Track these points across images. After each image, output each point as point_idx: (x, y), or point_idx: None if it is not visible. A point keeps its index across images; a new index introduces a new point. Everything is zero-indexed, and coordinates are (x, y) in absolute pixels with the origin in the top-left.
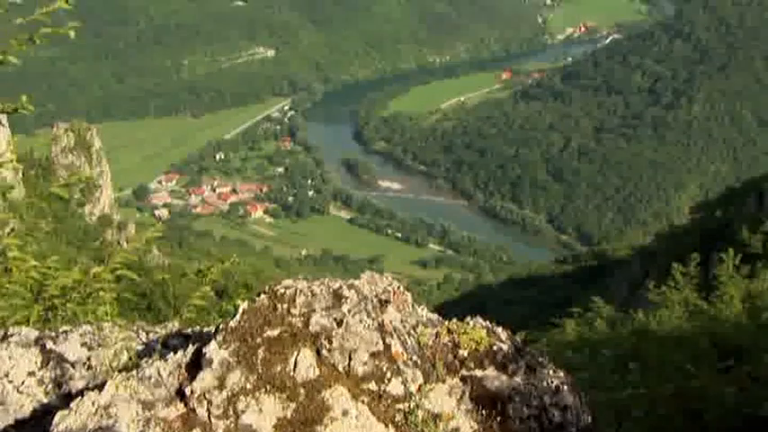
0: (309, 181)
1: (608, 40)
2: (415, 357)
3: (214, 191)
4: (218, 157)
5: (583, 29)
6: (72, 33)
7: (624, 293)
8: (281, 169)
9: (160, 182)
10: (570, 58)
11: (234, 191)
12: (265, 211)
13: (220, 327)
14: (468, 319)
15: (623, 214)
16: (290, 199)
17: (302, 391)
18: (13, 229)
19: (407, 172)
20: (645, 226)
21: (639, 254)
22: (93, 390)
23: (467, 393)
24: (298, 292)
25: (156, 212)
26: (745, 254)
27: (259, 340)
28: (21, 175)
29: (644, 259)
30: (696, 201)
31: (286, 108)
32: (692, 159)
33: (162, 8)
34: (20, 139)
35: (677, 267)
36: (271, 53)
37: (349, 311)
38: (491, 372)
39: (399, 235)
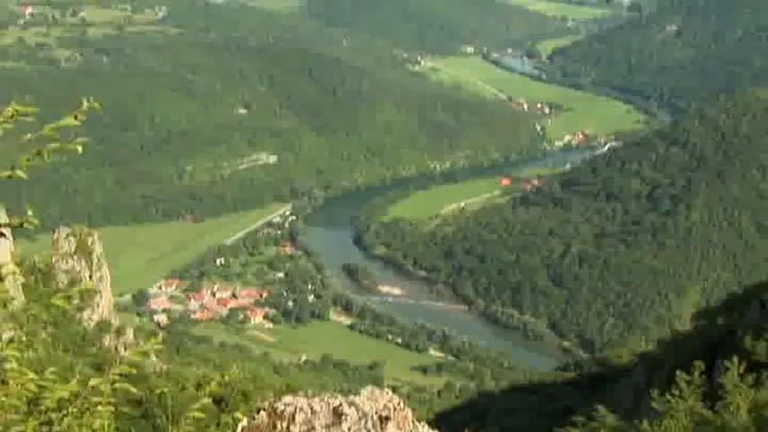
0: (309, 286)
1: (606, 148)
2: None
3: (214, 296)
4: (218, 261)
5: (581, 136)
6: (80, 149)
7: (628, 402)
8: (281, 274)
9: (160, 287)
10: (569, 165)
11: (234, 296)
12: (265, 317)
13: None
14: None
15: (625, 320)
16: (290, 304)
17: None
18: (12, 340)
19: (408, 277)
20: (647, 332)
21: (642, 361)
22: None
23: None
24: (297, 409)
25: (155, 318)
26: (749, 362)
27: None
28: (21, 282)
29: (647, 367)
30: (698, 307)
31: (287, 213)
32: (693, 265)
33: (166, 115)
34: (21, 244)
35: (681, 376)
36: (273, 159)
37: (349, 429)
38: None
39: (400, 340)
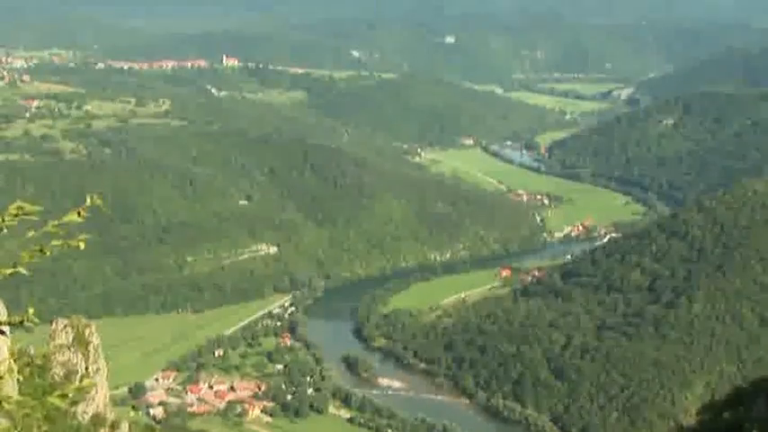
0: (309, 379)
1: (606, 239)
2: None
3: (211, 388)
4: (216, 353)
5: (581, 228)
6: (82, 245)
7: None
8: (280, 366)
9: (157, 379)
10: (569, 257)
11: (232, 388)
12: (263, 410)
13: None
14: None
15: (628, 414)
16: (289, 397)
17: None
18: None
19: (408, 369)
20: (651, 426)
21: None
22: None
23: None
24: None
25: (152, 411)
26: None
27: None
28: (18, 378)
29: None
30: (703, 401)
31: (287, 304)
32: (696, 358)
33: (167, 207)
34: (18, 335)
35: None
36: (273, 250)
37: None
38: None
39: None
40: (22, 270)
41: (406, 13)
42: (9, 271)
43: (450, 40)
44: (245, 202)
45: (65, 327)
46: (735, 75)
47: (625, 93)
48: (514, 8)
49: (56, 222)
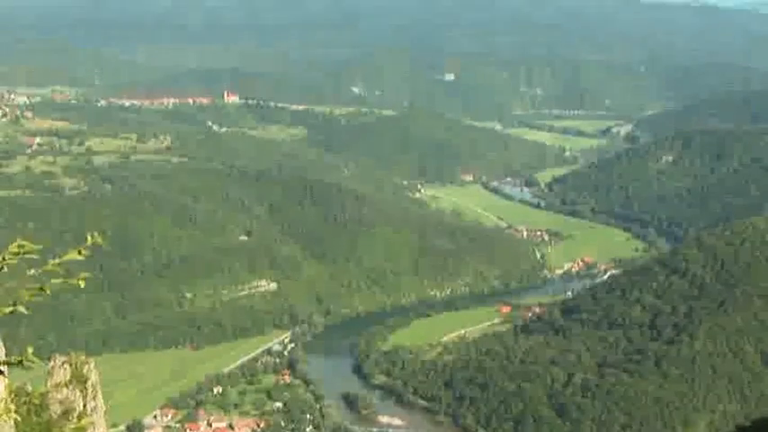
0: (308, 416)
1: (606, 275)
2: None
3: (210, 426)
4: (215, 390)
5: (581, 264)
6: (82, 284)
7: None
8: (279, 404)
9: (156, 416)
10: (570, 293)
11: (231, 426)
12: None
13: None
14: None
15: None
16: None
17: None
18: None
19: (408, 407)
20: None
21: None
22: None
23: None
24: None
25: None
26: None
27: None
28: (16, 418)
29: None
30: None
31: (286, 341)
32: (698, 396)
33: (167, 242)
34: (15, 372)
35: None
36: (272, 286)
37: None
38: None
39: None
40: (22, 309)
41: (406, 51)
42: (9, 309)
43: (449, 76)
44: (245, 238)
45: (63, 363)
46: (733, 113)
47: (624, 129)
48: (513, 45)
49: (56, 261)
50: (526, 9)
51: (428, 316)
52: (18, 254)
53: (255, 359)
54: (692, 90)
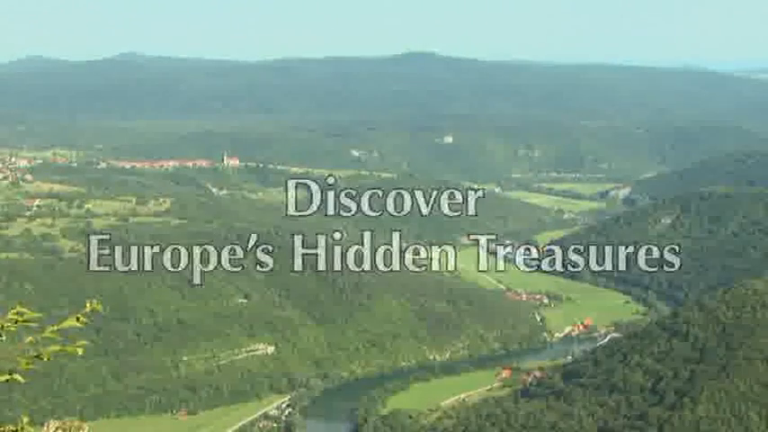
0: None
1: (607, 339)
2: None
3: None
4: None
5: (581, 327)
6: (80, 351)
7: None
8: None
9: None
10: (570, 357)
11: None
12: None
13: None
14: None
15: None
16: None
17: None
18: None
19: None
20: None
21: None
22: None
23: None
24: None
25: None
26: None
27: None
28: None
29: None
30: None
31: (284, 405)
32: None
33: (164, 306)
34: None
35: None
36: (270, 350)
37: None
38: None
39: None
40: (19, 378)
41: (405, 115)
42: (5, 378)
43: (448, 140)
44: (244, 301)
45: (56, 429)
46: (730, 176)
47: (622, 192)
48: (511, 109)
49: (54, 327)
50: (525, 75)
51: (427, 380)
52: (17, 321)
53: (252, 424)
54: (689, 153)
